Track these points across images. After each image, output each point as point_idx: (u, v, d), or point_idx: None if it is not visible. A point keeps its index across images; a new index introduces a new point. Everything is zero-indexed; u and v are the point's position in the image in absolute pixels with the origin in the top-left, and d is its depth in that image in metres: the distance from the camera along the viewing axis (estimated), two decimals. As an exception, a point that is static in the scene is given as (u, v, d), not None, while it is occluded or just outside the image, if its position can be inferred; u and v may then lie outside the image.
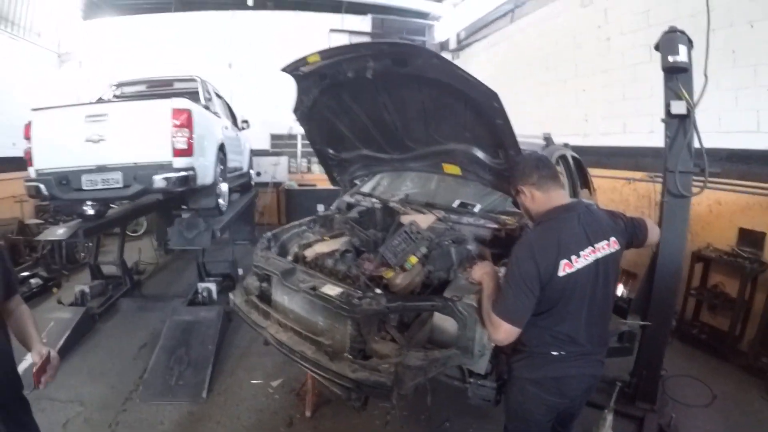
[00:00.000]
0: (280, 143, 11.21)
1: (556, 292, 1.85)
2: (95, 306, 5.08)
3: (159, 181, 4.18)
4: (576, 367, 1.96)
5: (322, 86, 3.17)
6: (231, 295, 3.38)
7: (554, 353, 1.94)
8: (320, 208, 7.81)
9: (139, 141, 4.29)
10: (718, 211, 4.69)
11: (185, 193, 4.66)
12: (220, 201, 5.34)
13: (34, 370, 1.92)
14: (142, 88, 6.26)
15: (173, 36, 10.29)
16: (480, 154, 2.94)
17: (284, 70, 3.12)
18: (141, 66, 9.31)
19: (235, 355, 4.45)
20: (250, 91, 10.38)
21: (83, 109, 4.42)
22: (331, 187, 11.39)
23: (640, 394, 3.39)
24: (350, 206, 3.95)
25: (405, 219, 2.96)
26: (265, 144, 10.94)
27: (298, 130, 10.92)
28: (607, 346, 2.15)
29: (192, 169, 4.34)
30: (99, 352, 4.45)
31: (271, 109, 10.87)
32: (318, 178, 10.72)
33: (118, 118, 4.27)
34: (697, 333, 4.64)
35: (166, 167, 4.22)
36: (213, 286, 5.14)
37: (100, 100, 5.52)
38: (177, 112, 4.26)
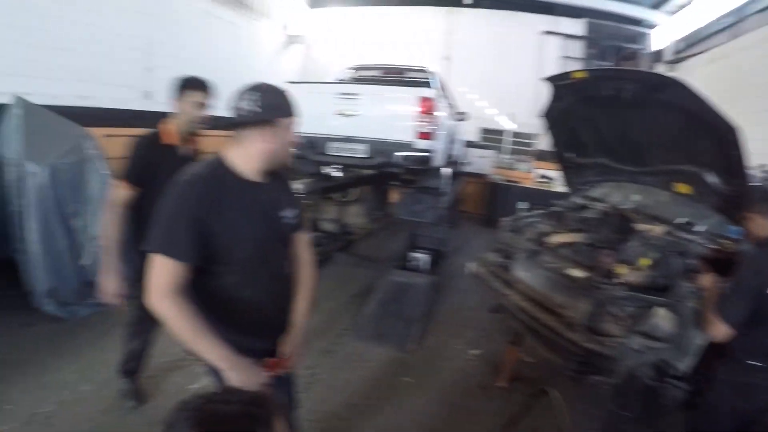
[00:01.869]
0: (490, 137, 12.05)
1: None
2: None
3: (400, 157, 5.14)
4: (765, 378, 2.32)
5: (577, 97, 3.77)
6: (468, 264, 4.14)
7: (753, 363, 2.32)
8: (521, 205, 8.29)
9: (386, 120, 5.28)
10: None
11: (411, 171, 5.57)
12: (442, 183, 6.19)
13: (277, 359, 1.82)
14: (377, 72, 7.41)
15: (392, 27, 11.83)
16: (712, 179, 3.31)
17: (548, 79, 3.81)
18: (362, 52, 10.98)
19: (440, 321, 5.15)
20: (464, 84, 11.22)
21: (336, 87, 5.61)
22: (531, 186, 11.55)
23: None
24: (580, 207, 4.46)
25: (641, 227, 3.44)
26: (473, 136, 11.70)
27: (509, 126, 11.68)
28: None
29: (430, 151, 5.23)
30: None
31: (483, 104, 11.71)
32: (521, 176, 11.13)
33: (368, 99, 5.29)
34: None
35: (407, 146, 5.16)
36: (427, 257, 5.89)
37: (341, 81, 6.73)
38: (423, 100, 5.15)
